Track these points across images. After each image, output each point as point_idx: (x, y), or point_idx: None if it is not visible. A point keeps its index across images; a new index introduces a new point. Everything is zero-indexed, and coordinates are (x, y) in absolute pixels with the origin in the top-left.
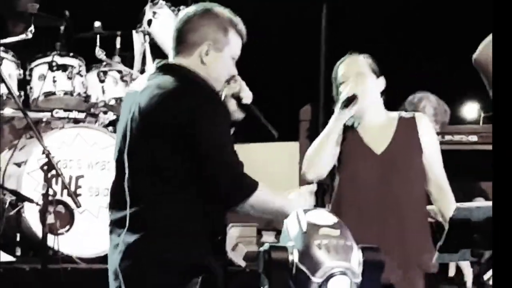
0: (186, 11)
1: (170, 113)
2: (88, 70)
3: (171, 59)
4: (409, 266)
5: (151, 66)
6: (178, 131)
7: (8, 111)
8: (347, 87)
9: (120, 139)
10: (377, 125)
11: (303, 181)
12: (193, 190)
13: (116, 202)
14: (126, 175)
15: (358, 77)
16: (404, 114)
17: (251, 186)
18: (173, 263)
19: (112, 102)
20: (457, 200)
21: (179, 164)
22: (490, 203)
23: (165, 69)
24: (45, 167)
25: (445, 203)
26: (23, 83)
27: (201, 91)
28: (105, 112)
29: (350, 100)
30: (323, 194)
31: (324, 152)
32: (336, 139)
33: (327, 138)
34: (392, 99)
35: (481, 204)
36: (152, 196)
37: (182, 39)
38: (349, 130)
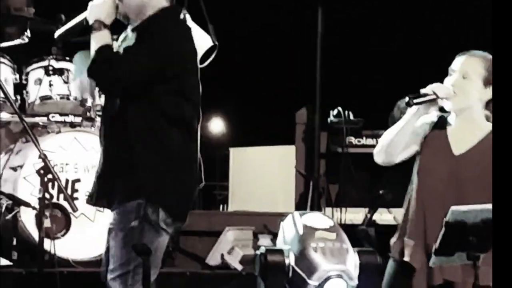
0: None
1: None
2: None
3: None
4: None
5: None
6: None
7: (4, 116)
8: (439, 85)
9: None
10: (466, 129)
11: (298, 184)
12: None
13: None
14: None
15: (460, 77)
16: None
17: None
18: None
19: None
20: None
21: None
22: (485, 206)
23: None
24: (42, 171)
25: None
26: (19, 88)
27: None
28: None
29: (427, 98)
30: (319, 197)
31: (397, 140)
32: (410, 131)
33: (401, 127)
34: (389, 101)
35: (477, 207)
36: None
37: None
38: (438, 127)
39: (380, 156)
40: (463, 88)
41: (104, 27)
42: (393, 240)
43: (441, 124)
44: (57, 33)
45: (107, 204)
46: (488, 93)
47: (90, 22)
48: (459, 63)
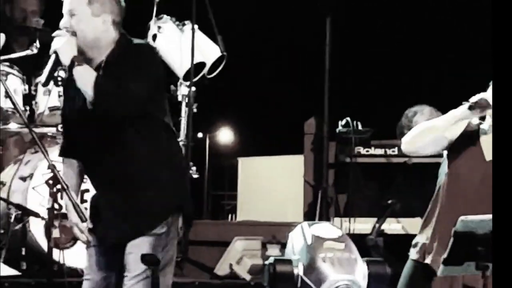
0: None
1: None
2: None
3: None
4: None
5: None
6: None
7: (13, 126)
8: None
9: None
10: None
11: (307, 194)
12: None
13: None
14: None
15: None
16: None
17: None
18: None
19: None
20: None
21: None
22: None
23: None
24: (50, 182)
25: None
26: (29, 98)
27: None
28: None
29: (479, 105)
30: (328, 207)
31: (430, 133)
32: (446, 129)
33: (439, 124)
34: (398, 111)
35: (486, 217)
36: None
37: None
38: (469, 133)
39: (406, 146)
40: None
41: (83, 61)
42: (414, 241)
43: (472, 130)
44: (42, 81)
45: (136, 232)
46: None
47: (67, 62)
48: None
